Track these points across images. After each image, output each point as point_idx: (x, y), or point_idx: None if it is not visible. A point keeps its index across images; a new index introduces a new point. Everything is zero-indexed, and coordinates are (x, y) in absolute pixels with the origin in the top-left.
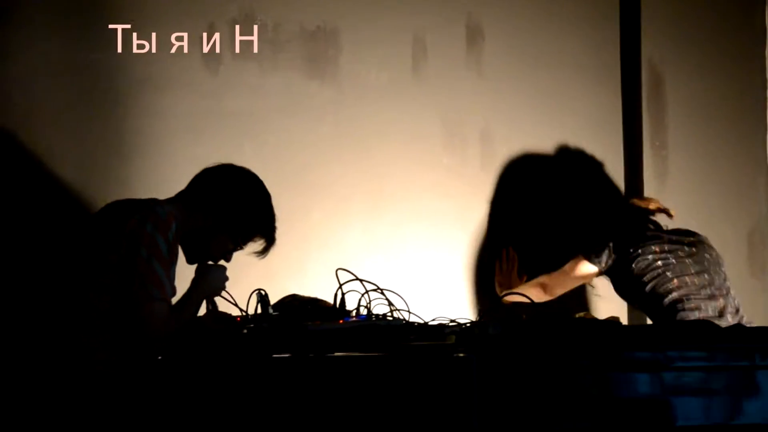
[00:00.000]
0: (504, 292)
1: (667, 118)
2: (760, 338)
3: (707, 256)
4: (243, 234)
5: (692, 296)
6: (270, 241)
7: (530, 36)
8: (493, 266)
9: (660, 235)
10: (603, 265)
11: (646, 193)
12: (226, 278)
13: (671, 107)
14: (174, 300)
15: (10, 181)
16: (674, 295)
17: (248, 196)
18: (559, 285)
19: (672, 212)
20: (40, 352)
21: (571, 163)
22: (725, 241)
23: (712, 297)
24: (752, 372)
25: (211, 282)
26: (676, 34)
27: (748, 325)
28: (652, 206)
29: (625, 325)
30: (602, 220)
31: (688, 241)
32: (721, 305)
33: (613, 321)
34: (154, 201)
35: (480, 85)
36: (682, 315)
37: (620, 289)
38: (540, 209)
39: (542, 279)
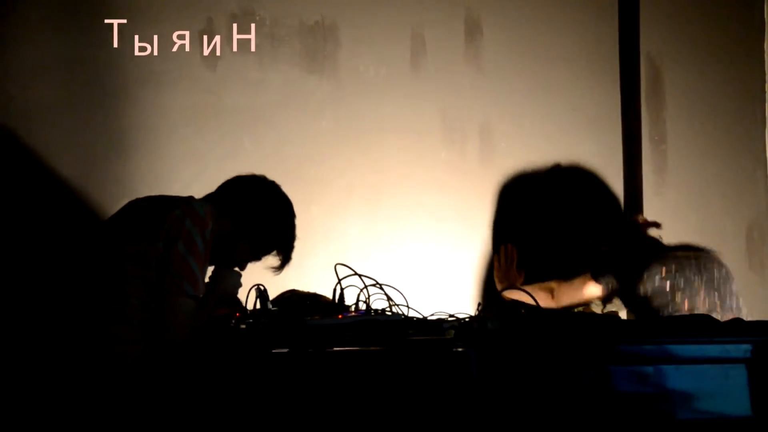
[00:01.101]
0: (509, 288)
1: (665, 113)
2: (759, 332)
3: (716, 274)
4: (264, 246)
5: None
6: (287, 258)
7: (529, 31)
8: (491, 261)
9: (665, 253)
10: (609, 287)
11: (645, 187)
12: (240, 284)
13: (670, 102)
14: None
15: (9, 178)
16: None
17: (276, 210)
18: (566, 296)
19: (659, 223)
20: (74, 347)
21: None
22: (724, 235)
23: (717, 312)
24: (752, 365)
25: (226, 286)
26: (674, 29)
27: None
28: (640, 220)
29: (623, 319)
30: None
31: (695, 256)
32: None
33: (612, 315)
34: (190, 198)
35: (478, 79)
36: None
37: (631, 308)
38: (538, 205)
39: (552, 285)
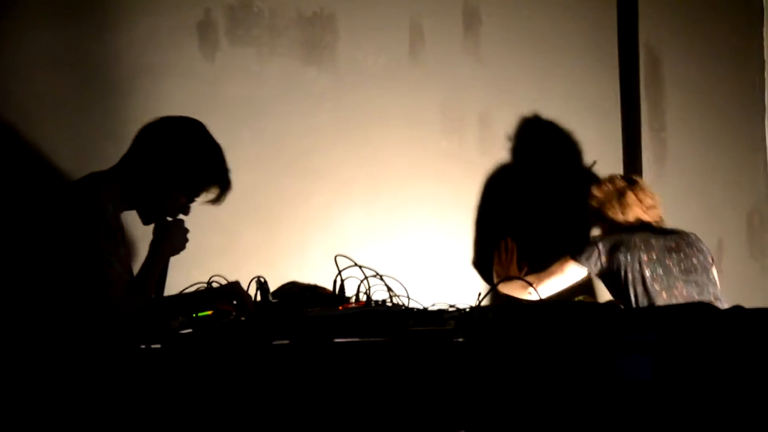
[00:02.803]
0: (498, 281)
1: (665, 101)
2: (759, 319)
3: (695, 261)
4: (193, 185)
5: None
6: (223, 186)
7: (527, 20)
8: (491, 253)
9: (649, 240)
10: (593, 267)
11: (645, 176)
12: (186, 231)
13: (669, 90)
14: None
15: (8, 172)
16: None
17: (188, 145)
18: (546, 285)
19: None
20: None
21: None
22: (725, 222)
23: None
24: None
25: (172, 240)
26: (673, 17)
27: None
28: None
29: (623, 308)
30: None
31: (676, 245)
32: None
33: (613, 304)
34: (86, 183)
35: (477, 69)
36: None
37: (612, 292)
38: (537, 197)
39: (531, 279)
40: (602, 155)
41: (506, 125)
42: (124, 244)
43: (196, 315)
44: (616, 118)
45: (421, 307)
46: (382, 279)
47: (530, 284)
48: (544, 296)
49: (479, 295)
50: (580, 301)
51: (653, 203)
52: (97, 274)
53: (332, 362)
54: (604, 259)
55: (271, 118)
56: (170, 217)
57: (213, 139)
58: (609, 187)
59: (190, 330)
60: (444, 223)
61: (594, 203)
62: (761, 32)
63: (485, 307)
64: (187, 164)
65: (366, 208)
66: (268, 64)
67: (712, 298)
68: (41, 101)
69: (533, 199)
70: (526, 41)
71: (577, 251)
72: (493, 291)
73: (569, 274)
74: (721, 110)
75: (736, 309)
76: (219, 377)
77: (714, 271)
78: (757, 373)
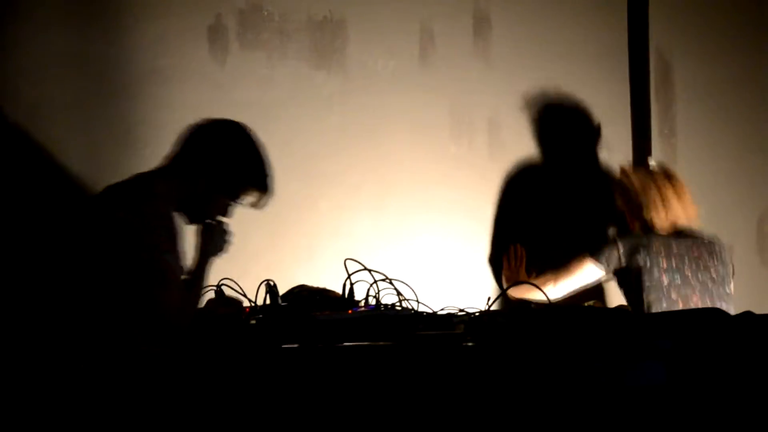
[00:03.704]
0: (509, 285)
1: (675, 106)
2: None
3: (713, 274)
4: (235, 186)
5: None
6: (263, 190)
7: (537, 25)
8: (501, 257)
9: (671, 245)
10: (610, 267)
11: None
12: (228, 233)
13: (679, 95)
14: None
15: (17, 173)
16: None
17: (229, 147)
18: (562, 285)
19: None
20: (71, 347)
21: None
22: (735, 228)
23: None
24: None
25: (215, 242)
26: (683, 21)
27: None
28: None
29: (633, 314)
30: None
31: (698, 253)
32: None
33: (623, 309)
34: (144, 185)
35: (487, 73)
36: None
37: (625, 294)
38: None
39: (547, 276)
40: (612, 160)
41: (516, 130)
42: (179, 243)
43: None
44: (626, 123)
45: (430, 311)
46: (391, 283)
47: (539, 288)
48: (557, 296)
49: (489, 299)
50: (590, 306)
51: (690, 201)
52: (156, 275)
53: (341, 366)
54: (623, 259)
55: (280, 121)
56: (211, 219)
57: (256, 143)
58: (649, 182)
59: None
60: (453, 227)
61: (630, 199)
62: None
63: (495, 311)
64: (226, 166)
65: (375, 212)
66: (278, 68)
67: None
68: (51, 103)
69: (543, 204)
70: (536, 46)
71: (596, 250)
72: (503, 295)
73: (586, 274)
74: (731, 115)
75: (747, 315)
76: (228, 380)
77: (731, 286)
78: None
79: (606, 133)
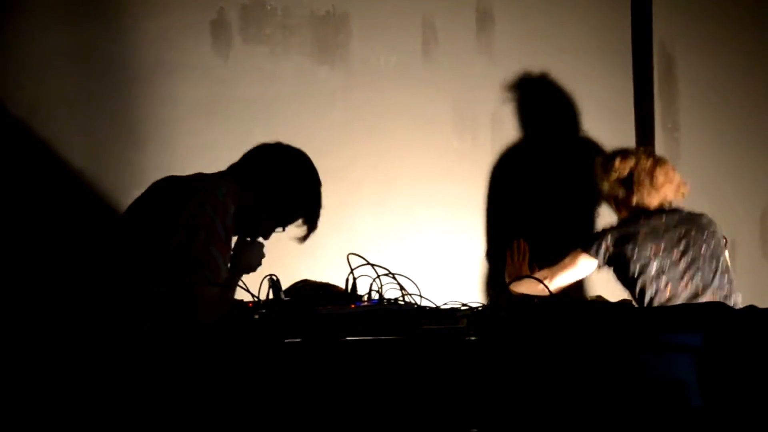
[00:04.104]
0: (510, 281)
1: (678, 100)
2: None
3: (703, 251)
4: (289, 216)
5: (681, 301)
6: (312, 226)
7: (540, 19)
8: (503, 252)
9: (659, 231)
10: (602, 258)
11: None
12: (263, 255)
13: (683, 89)
14: None
15: (20, 169)
16: (664, 301)
17: (300, 179)
18: (558, 279)
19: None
20: (95, 340)
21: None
22: (738, 222)
23: (702, 294)
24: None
25: (250, 258)
26: (687, 15)
27: None
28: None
29: (637, 308)
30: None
31: (685, 233)
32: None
33: (626, 303)
34: (212, 182)
35: (490, 68)
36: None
37: (621, 282)
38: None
39: (544, 273)
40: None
41: (519, 125)
42: (229, 246)
43: None
44: (630, 117)
45: (433, 306)
46: (394, 277)
47: (541, 281)
48: (555, 290)
49: (492, 293)
50: (593, 300)
51: (680, 180)
52: (201, 267)
53: (344, 360)
54: (612, 250)
55: (283, 116)
56: (253, 236)
57: (318, 179)
58: (635, 164)
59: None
60: (456, 222)
61: (616, 184)
62: None
63: (498, 305)
64: (289, 193)
65: (378, 207)
66: (280, 63)
67: (718, 294)
68: (53, 98)
69: (546, 199)
70: (539, 41)
71: (587, 243)
72: (506, 290)
73: (580, 267)
74: (735, 109)
75: (750, 309)
76: (232, 374)
77: (726, 255)
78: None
79: (609, 127)
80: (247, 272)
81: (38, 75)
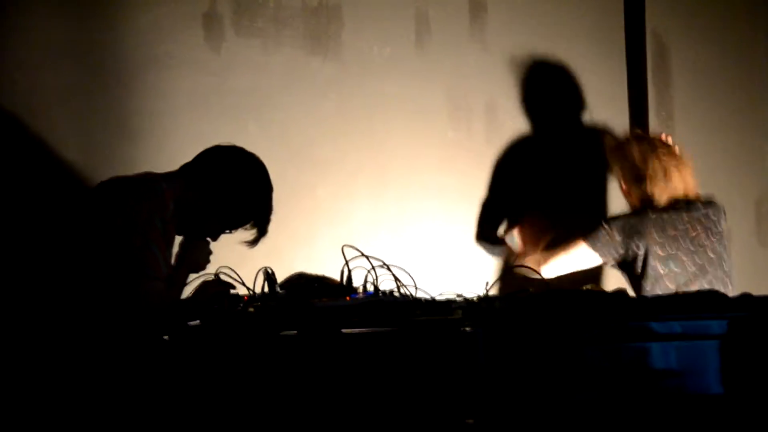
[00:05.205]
0: (515, 263)
1: (672, 89)
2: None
3: (711, 254)
4: (236, 219)
5: None
6: (261, 232)
7: (533, 8)
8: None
9: (666, 229)
10: (606, 253)
11: None
12: (210, 253)
13: (676, 78)
14: None
15: (14, 164)
16: None
17: (249, 182)
18: (554, 265)
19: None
20: (45, 338)
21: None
22: (733, 211)
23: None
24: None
25: (196, 258)
26: (680, 4)
27: None
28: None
29: (632, 296)
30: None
31: (695, 234)
32: None
33: (621, 292)
34: (152, 179)
35: (484, 58)
36: None
37: (628, 279)
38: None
39: (544, 255)
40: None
41: (513, 114)
42: (172, 245)
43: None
44: (624, 106)
45: (428, 297)
46: (389, 269)
47: (537, 271)
48: (553, 276)
49: (487, 284)
50: (587, 289)
51: (691, 174)
52: (140, 264)
53: (340, 352)
54: (620, 248)
55: (276, 109)
56: (200, 237)
57: (269, 184)
58: (650, 153)
59: (197, 322)
60: (451, 212)
61: (629, 169)
62: None
63: (493, 296)
64: (237, 197)
65: (372, 199)
66: (273, 55)
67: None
68: (46, 93)
69: (542, 188)
70: (533, 29)
71: (591, 237)
72: (501, 280)
73: (582, 259)
74: (728, 98)
75: (745, 297)
76: (227, 368)
77: (729, 259)
78: (764, 361)
79: (603, 116)
80: (195, 271)
81: (31, 69)
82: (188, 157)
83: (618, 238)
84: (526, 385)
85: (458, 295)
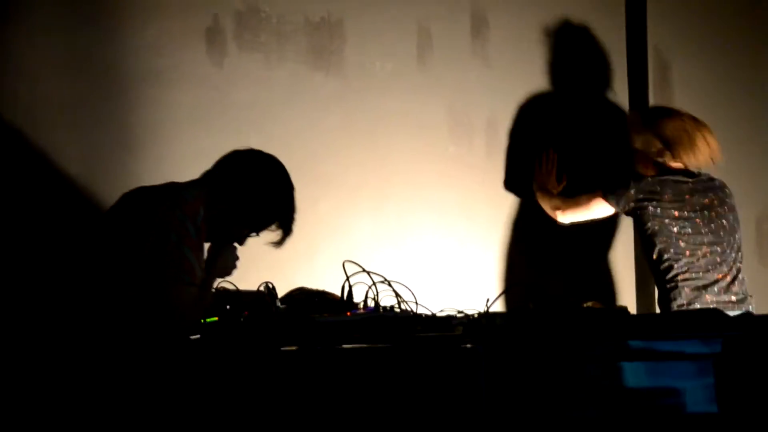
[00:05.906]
0: (540, 191)
1: (674, 105)
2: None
3: (724, 222)
4: (262, 221)
5: (696, 269)
6: (287, 231)
7: (535, 24)
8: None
9: (684, 195)
10: (620, 207)
11: None
12: (237, 258)
13: (678, 94)
14: None
15: (16, 175)
16: (681, 265)
17: (271, 183)
18: (572, 214)
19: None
20: (74, 344)
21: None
22: None
23: (716, 268)
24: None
25: (224, 263)
26: (682, 22)
27: (752, 307)
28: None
29: (633, 315)
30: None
31: (709, 201)
32: (725, 275)
33: (621, 310)
34: (178, 186)
35: (485, 73)
36: (682, 284)
37: (638, 235)
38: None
39: (557, 203)
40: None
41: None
42: (203, 249)
43: (204, 321)
44: (625, 122)
45: (429, 313)
46: (390, 285)
47: (554, 217)
48: (568, 222)
49: (488, 301)
50: (588, 307)
51: (717, 146)
52: (175, 268)
53: (340, 368)
54: (633, 205)
55: (278, 123)
56: (227, 242)
57: (291, 184)
58: (678, 123)
59: (198, 336)
60: (452, 228)
61: (654, 139)
62: None
63: (494, 313)
64: (261, 199)
65: (374, 214)
66: (275, 70)
67: (732, 268)
68: (49, 105)
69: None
70: (534, 46)
71: (609, 190)
72: (502, 296)
73: (597, 210)
74: (730, 115)
75: (746, 316)
76: (227, 383)
77: (739, 234)
78: (763, 378)
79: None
80: (222, 276)
81: (33, 81)
82: (190, 171)
83: (635, 197)
84: (526, 402)
85: (459, 312)
